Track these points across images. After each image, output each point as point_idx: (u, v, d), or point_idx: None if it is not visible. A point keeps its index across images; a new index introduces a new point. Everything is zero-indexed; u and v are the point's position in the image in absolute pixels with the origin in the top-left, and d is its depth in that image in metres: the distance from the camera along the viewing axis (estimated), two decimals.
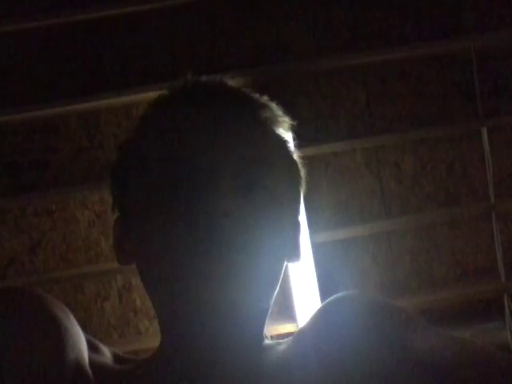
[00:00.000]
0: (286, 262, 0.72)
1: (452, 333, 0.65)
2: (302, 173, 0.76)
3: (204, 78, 0.72)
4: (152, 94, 2.60)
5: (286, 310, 2.26)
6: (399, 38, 2.44)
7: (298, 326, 1.97)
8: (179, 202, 0.64)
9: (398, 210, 2.47)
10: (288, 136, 0.75)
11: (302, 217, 0.79)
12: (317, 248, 2.09)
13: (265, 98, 0.75)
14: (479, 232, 2.47)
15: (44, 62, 2.42)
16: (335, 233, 2.30)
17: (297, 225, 0.75)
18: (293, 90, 2.42)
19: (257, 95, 0.74)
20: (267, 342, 0.72)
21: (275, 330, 2.08)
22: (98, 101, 2.30)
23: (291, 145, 0.76)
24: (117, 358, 0.71)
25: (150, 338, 2.41)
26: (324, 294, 1.96)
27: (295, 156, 0.76)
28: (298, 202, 0.76)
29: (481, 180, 2.43)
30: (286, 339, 0.72)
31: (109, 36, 2.43)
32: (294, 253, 0.74)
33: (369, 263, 2.46)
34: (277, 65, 2.38)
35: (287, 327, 2.09)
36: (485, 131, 2.31)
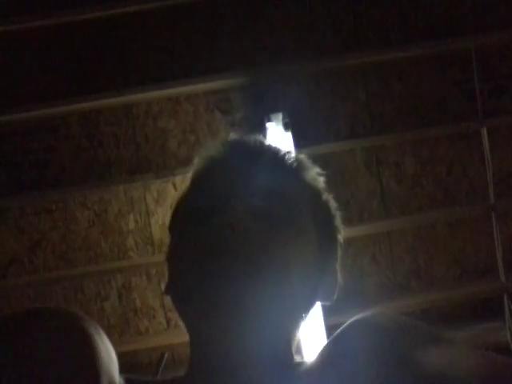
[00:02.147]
0: (312, 298, 0.76)
1: (470, 345, 0.65)
2: (339, 222, 0.83)
3: (244, 137, 0.81)
4: (152, 94, 2.60)
5: None
6: (399, 38, 2.44)
7: None
8: (196, 229, 0.71)
9: (397, 210, 2.47)
10: (323, 187, 0.81)
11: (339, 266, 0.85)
12: None
13: (293, 152, 0.81)
14: (479, 232, 2.47)
15: (44, 62, 2.43)
16: None
17: (329, 270, 0.80)
18: (293, 90, 2.43)
19: (290, 151, 0.80)
20: (293, 362, 0.74)
21: None
22: (97, 101, 2.30)
23: (327, 196, 0.82)
24: (129, 381, 0.73)
25: (150, 338, 2.41)
26: None
27: (331, 206, 0.82)
28: (331, 249, 0.81)
29: (481, 180, 2.43)
30: (306, 362, 0.73)
31: (109, 36, 2.43)
32: (322, 295, 0.79)
33: (368, 263, 2.46)
34: (277, 65, 2.38)
35: None
36: (485, 131, 2.31)
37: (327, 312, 1.92)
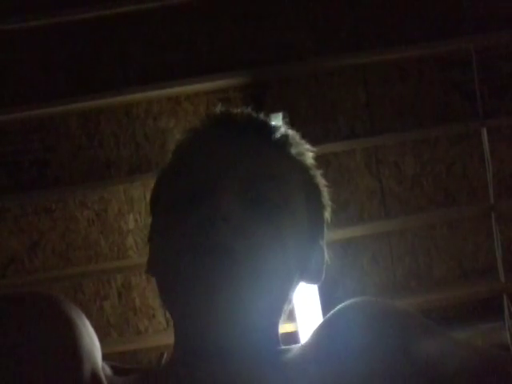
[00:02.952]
0: (297, 280, 0.74)
1: (460, 338, 0.65)
2: (326, 199, 0.79)
3: (230, 110, 0.77)
4: (152, 94, 2.59)
5: None
6: (399, 38, 2.44)
7: (297, 325, 1.97)
8: (185, 213, 0.68)
9: (397, 210, 2.47)
10: (311, 163, 0.79)
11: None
12: None
13: (285, 127, 0.78)
14: (479, 232, 2.47)
15: (44, 62, 2.42)
16: (335, 233, 2.30)
17: (316, 248, 0.77)
18: (293, 89, 2.43)
19: (278, 125, 0.78)
20: (279, 348, 0.73)
21: None
22: (97, 100, 2.30)
23: (315, 172, 0.79)
24: (116, 369, 0.72)
25: (150, 338, 2.41)
26: (323, 294, 1.96)
27: (319, 183, 0.79)
28: (318, 226, 0.78)
29: (481, 180, 2.43)
30: (294, 347, 0.72)
31: (109, 36, 2.43)
32: (310, 274, 0.76)
33: (369, 263, 2.46)
34: (277, 65, 2.38)
35: (287, 327, 2.09)
36: (485, 131, 2.31)
37: (327, 311, 1.92)
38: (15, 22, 2.27)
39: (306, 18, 2.45)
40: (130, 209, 2.45)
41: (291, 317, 2.08)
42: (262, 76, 2.36)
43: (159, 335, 2.42)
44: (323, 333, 0.69)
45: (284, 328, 2.26)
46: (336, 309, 0.70)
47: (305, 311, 1.94)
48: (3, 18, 2.26)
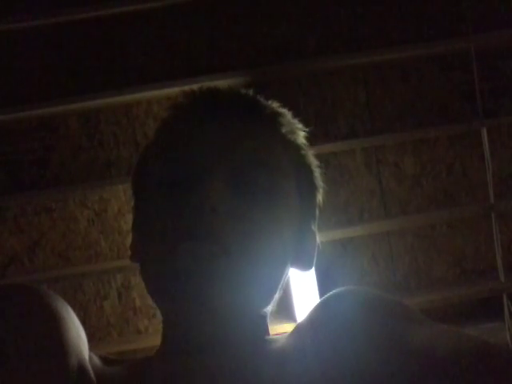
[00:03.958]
0: (289, 267, 0.72)
1: (449, 326, 0.65)
2: (318, 180, 0.76)
3: (217, 86, 0.74)
4: (152, 94, 2.59)
5: (285, 310, 2.27)
6: (399, 38, 2.44)
7: None
8: (172, 200, 0.66)
9: (397, 210, 2.47)
10: (303, 143, 0.75)
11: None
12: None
13: (277, 105, 0.75)
14: (479, 232, 2.47)
15: (44, 62, 2.42)
16: (335, 233, 2.30)
17: (308, 232, 0.75)
18: (293, 89, 2.42)
19: (269, 102, 0.75)
20: (268, 337, 0.72)
21: (274, 329, 2.08)
22: (97, 100, 2.30)
23: (306, 151, 0.76)
24: (104, 360, 0.71)
25: (150, 337, 2.41)
26: (323, 293, 1.97)
27: (311, 163, 0.76)
28: (310, 209, 0.75)
29: (481, 180, 2.43)
30: (286, 334, 0.72)
31: (109, 35, 2.43)
32: (303, 261, 0.74)
33: (368, 263, 2.46)
34: (277, 65, 2.38)
35: (286, 327, 2.09)
36: (485, 131, 2.31)
37: None
38: (15, 22, 2.27)
39: (306, 17, 2.45)
40: (130, 209, 2.44)
41: (291, 317, 2.08)
42: (262, 76, 2.36)
43: (159, 335, 2.42)
44: (318, 315, 0.68)
45: (284, 328, 2.27)
46: (329, 293, 0.69)
47: (304, 311, 1.94)
48: (3, 18, 2.26)
